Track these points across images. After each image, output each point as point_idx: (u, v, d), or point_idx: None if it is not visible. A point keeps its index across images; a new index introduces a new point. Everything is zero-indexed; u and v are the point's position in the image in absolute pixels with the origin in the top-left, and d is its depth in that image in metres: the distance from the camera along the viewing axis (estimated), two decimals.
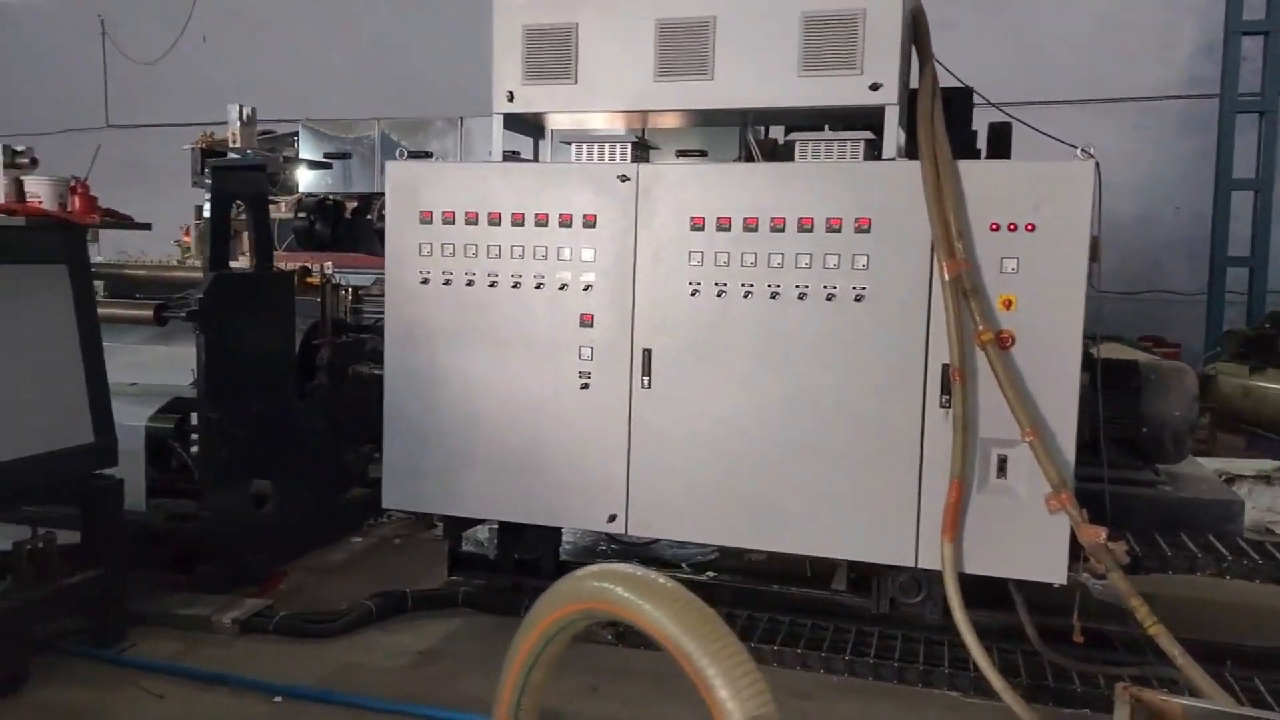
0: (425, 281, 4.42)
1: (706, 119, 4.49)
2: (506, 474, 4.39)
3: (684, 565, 5.17)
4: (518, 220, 4.27)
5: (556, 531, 4.77)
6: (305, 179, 5.63)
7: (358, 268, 6.51)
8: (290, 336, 5.25)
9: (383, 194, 6.27)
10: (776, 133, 4.87)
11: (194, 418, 4.75)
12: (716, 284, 4.02)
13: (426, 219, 4.40)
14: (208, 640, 4.30)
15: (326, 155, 5.19)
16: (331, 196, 5.38)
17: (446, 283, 4.39)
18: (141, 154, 13.77)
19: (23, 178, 3.73)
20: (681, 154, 4.83)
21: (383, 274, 6.26)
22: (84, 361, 4.03)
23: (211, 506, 4.75)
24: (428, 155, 5.27)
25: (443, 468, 4.47)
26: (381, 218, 6.47)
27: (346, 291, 5.83)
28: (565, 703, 3.77)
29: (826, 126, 4.43)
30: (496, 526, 4.82)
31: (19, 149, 3.74)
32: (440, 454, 4.47)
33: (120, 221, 4.18)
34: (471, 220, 4.33)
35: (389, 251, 4.49)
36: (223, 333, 4.70)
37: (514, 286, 4.30)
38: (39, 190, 3.70)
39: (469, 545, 5.09)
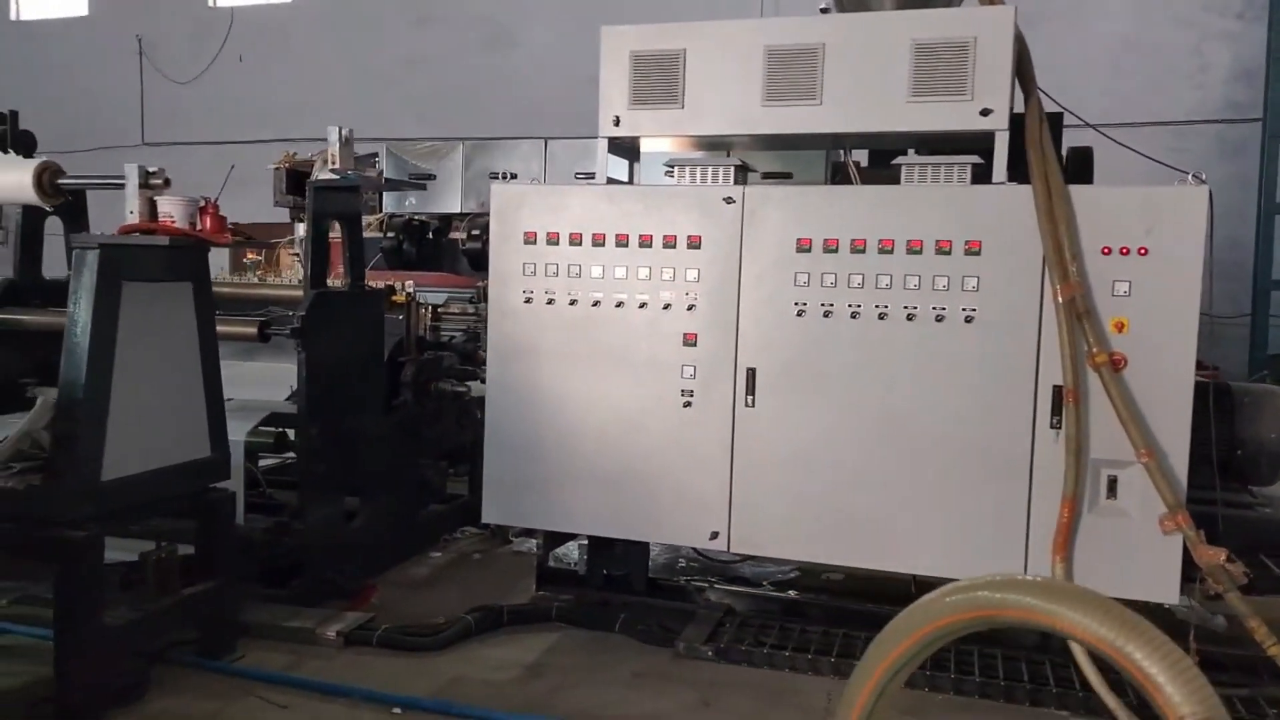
0: (528, 301, 4.51)
1: (810, 143, 4.57)
2: (606, 490, 4.46)
3: (765, 583, 5.22)
4: (621, 241, 4.36)
5: (646, 548, 4.83)
6: (387, 199, 5.72)
7: (434, 286, 6.60)
8: (380, 353, 5.33)
9: (464, 214, 6.41)
10: (859, 155, 4.97)
11: (288, 433, 4.84)
12: (822, 304, 4.09)
13: (530, 239, 4.48)
14: (312, 652, 4.35)
15: (413, 177, 5.28)
16: (416, 217, 5.46)
17: (549, 302, 4.48)
18: (176, 172, 13.94)
19: (156, 198, 3.81)
20: (767, 176, 4.92)
21: (457, 292, 6.39)
22: (203, 377, 4.11)
23: (308, 520, 4.81)
24: (508, 176, 5.35)
25: (543, 483, 4.54)
26: (472, 237, 6.63)
27: (426, 309, 5.91)
28: (680, 716, 3.82)
29: (911, 151, 4.52)
30: (586, 542, 4.89)
31: (152, 170, 3.83)
32: (540, 470, 4.54)
33: (247, 239, 4.27)
34: (575, 241, 4.42)
35: (492, 271, 4.58)
36: (322, 349, 4.78)
37: (617, 306, 4.38)
38: (171, 210, 3.78)
39: (551, 561, 5.16)
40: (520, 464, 4.56)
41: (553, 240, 4.45)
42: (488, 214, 6.84)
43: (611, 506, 4.47)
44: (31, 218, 5.07)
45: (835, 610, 4.60)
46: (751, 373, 4.21)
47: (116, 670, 3.76)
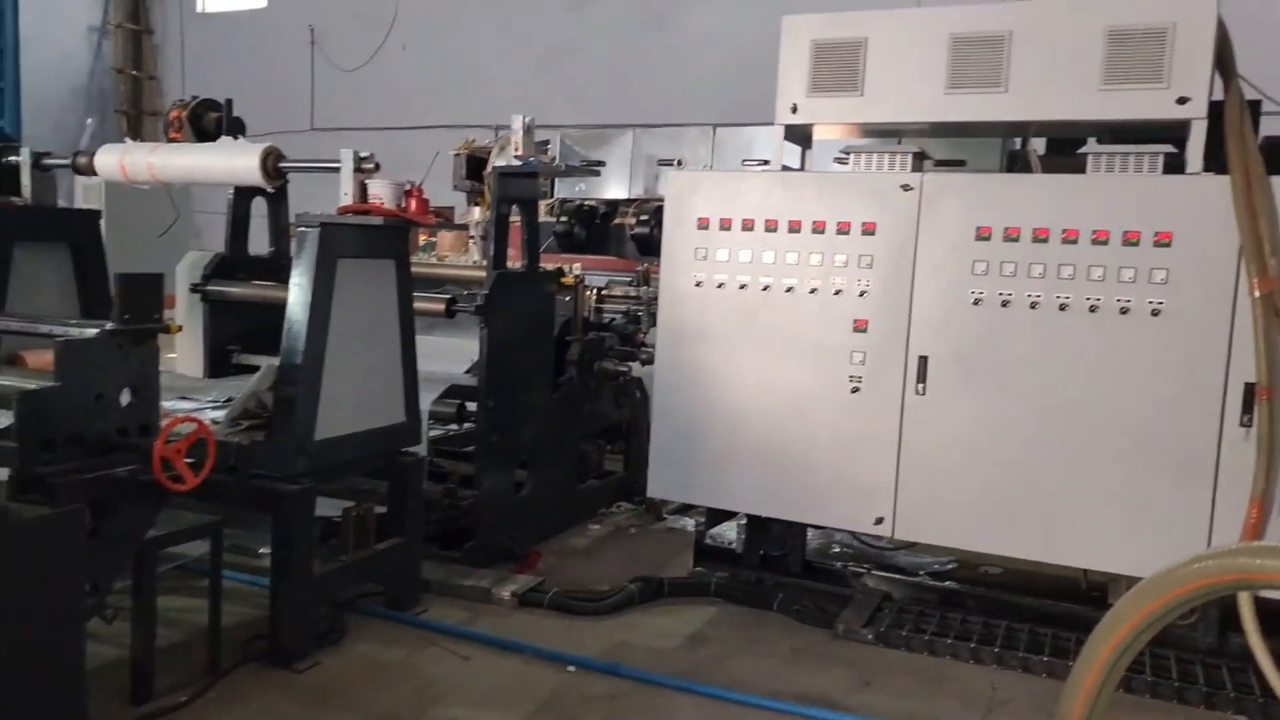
0: (699, 285, 4.64)
1: (988, 131, 4.53)
2: (770, 471, 4.56)
3: (921, 573, 5.21)
4: (794, 227, 4.43)
5: (804, 531, 4.91)
6: (557, 184, 5.94)
7: (598, 269, 6.82)
8: (550, 333, 5.57)
9: (631, 200, 6.60)
10: (1036, 143, 4.88)
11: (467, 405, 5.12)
12: (1000, 294, 4.07)
13: (703, 225, 4.61)
14: (487, 610, 4.63)
15: (584, 163, 5.48)
16: (587, 202, 5.66)
17: (719, 286, 4.60)
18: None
19: (366, 181, 4.12)
20: (940, 164, 4.89)
21: (617, 276, 6.59)
22: (401, 349, 4.42)
23: (482, 487, 5.10)
24: (680, 163, 5.48)
25: (707, 462, 4.68)
26: (640, 221, 6.84)
27: (591, 292, 6.12)
28: (842, 694, 3.90)
29: (1092, 140, 4.41)
30: (745, 521, 5.00)
31: (364, 155, 4.14)
32: (705, 449, 4.68)
33: (447, 223, 4.56)
34: (748, 227, 4.52)
35: (665, 256, 4.73)
36: (501, 327, 5.05)
37: (787, 291, 4.46)
38: (380, 192, 4.08)
39: (708, 539, 5.29)
40: (685, 443, 4.71)
41: (725, 226, 4.56)
42: (655, 199, 7.05)
43: (774, 488, 4.57)
44: (242, 198, 5.52)
45: (996, 602, 4.57)
46: (923, 360, 4.22)
47: (320, 614, 4.12)
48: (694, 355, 4.67)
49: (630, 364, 6.07)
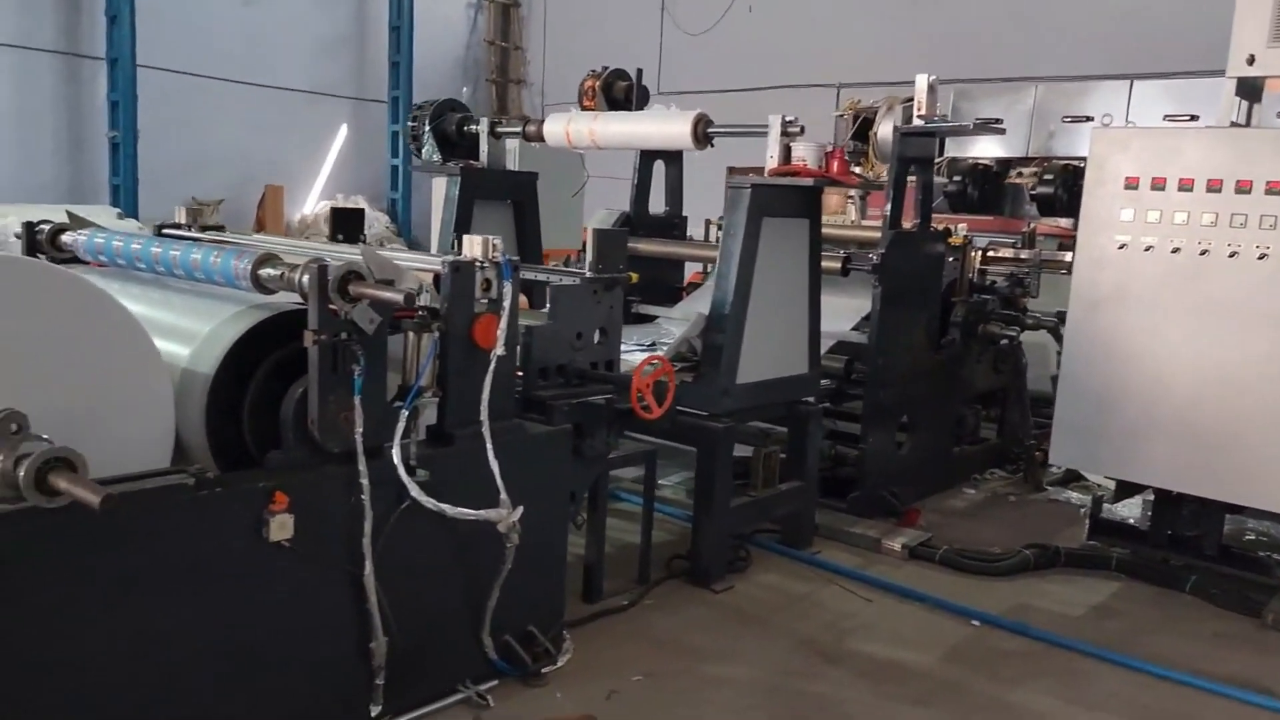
0: (1122, 248, 4.45)
1: None
2: (1193, 446, 4.32)
3: None
4: (1243, 188, 4.12)
5: (1223, 513, 4.60)
6: (949, 144, 5.88)
7: (980, 230, 6.69)
8: (937, 294, 5.59)
9: (1028, 158, 6.41)
10: None
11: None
12: None
13: (1131, 185, 4.40)
14: (876, 559, 4.81)
15: (979, 121, 5.37)
16: (981, 161, 5.56)
17: (1147, 249, 4.38)
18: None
19: (790, 144, 4.36)
20: None
21: (998, 238, 6.43)
22: (808, 303, 4.65)
23: (868, 442, 5.26)
24: (1108, 120, 5.23)
25: (1120, 433, 4.51)
26: (1044, 181, 6.65)
27: (976, 254, 6.03)
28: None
29: None
30: (1152, 498, 4.78)
31: (790, 118, 4.38)
32: (1117, 419, 4.51)
33: (869, 183, 4.73)
34: (1185, 186, 4.26)
35: (1084, 216, 4.58)
36: (894, 286, 5.14)
37: (1230, 256, 4.17)
38: (804, 154, 4.32)
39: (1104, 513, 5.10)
40: (1095, 412, 4.57)
41: (1158, 185, 4.33)
42: (1060, 158, 6.79)
43: (1194, 464, 4.33)
44: (646, 162, 6.01)
45: None
46: None
47: (731, 543, 4.49)
48: (1111, 321, 4.50)
49: (1014, 329, 5.93)
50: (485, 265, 3.14)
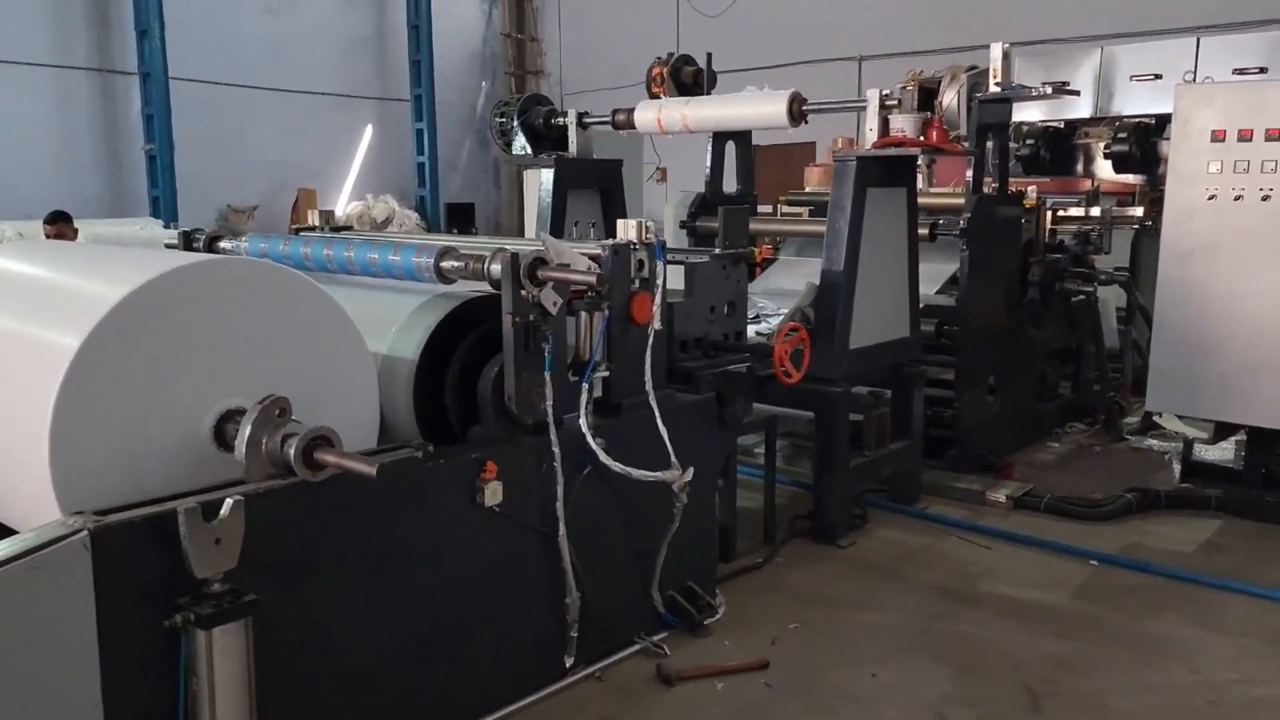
0: (1212, 198, 4.63)
1: None
2: None
3: None
4: None
5: None
6: (1017, 108, 6.03)
7: (1051, 192, 6.85)
8: (1016, 255, 5.76)
9: (1096, 118, 6.58)
10: None
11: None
12: None
13: (1218, 137, 4.58)
14: (983, 511, 5.01)
15: (1045, 84, 5.52)
16: (1051, 125, 5.73)
17: (1236, 199, 4.56)
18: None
19: (889, 116, 4.54)
20: None
21: (1061, 199, 6.59)
22: (908, 269, 4.84)
23: (963, 400, 5.45)
24: (1189, 77, 5.39)
25: (1216, 377, 4.70)
26: (1119, 139, 6.81)
27: (1048, 214, 6.19)
28: None
29: None
30: (1246, 439, 4.97)
31: (887, 92, 4.56)
32: (1212, 364, 4.71)
33: (959, 152, 4.87)
34: (1273, 136, 4.44)
35: (1171, 170, 4.76)
36: (979, 249, 5.33)
37: None
38: (903, 125, 4.49)
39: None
40: (1191, 358, 4.76)
41: (1245, 137, 4.50)
42: (1131, 116, 6.95)
43: None
44: (719, 144, 6.18)
45: None
46: None
47: (851, 500, 4.69)
48: (1204, 271, 4.68)
49: (1090, 285, 6.11)
50: (639, 247, 3.34)
